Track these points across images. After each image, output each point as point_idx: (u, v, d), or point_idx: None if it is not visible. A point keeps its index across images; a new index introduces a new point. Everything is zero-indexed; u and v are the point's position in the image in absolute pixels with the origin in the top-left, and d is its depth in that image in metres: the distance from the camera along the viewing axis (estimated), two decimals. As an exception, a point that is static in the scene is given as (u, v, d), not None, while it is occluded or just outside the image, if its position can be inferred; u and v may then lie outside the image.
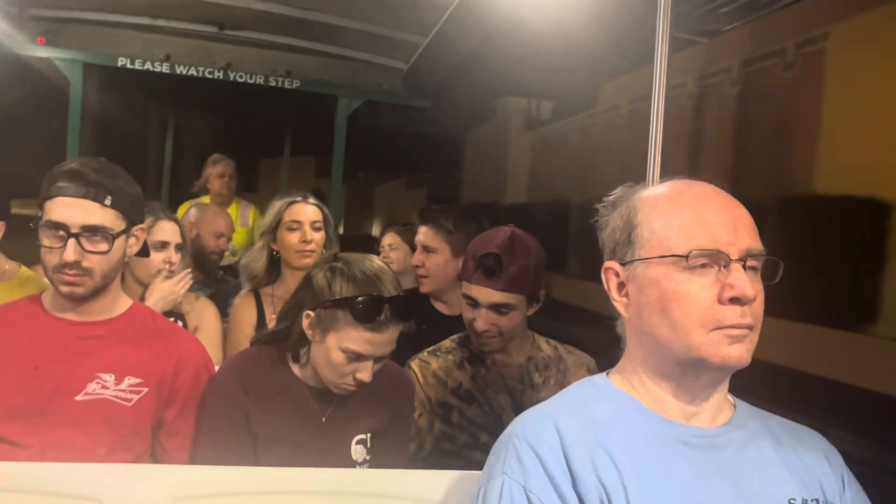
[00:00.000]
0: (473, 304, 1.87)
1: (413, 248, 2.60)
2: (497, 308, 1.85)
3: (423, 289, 2.45)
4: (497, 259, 1.82)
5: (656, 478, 1.01)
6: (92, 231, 1.54)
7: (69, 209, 1.53)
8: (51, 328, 1.61)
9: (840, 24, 3.01)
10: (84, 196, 1.54)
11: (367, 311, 1.54)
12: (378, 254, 3.28)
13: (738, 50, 3.52)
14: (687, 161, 3.81)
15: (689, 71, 3.95)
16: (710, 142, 3.56)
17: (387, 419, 1.73)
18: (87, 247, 1.54)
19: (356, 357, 1.57)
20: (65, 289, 1.56)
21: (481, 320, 1.86)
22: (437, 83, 4.58)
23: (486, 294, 1.84)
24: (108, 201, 1.56)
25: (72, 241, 1.52)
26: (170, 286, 2.27)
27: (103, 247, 1.55)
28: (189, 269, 2.35)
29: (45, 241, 1.55)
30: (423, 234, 2.45)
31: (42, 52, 4.26)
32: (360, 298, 1.54)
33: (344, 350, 1.57)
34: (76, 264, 1.53)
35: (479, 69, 4.18)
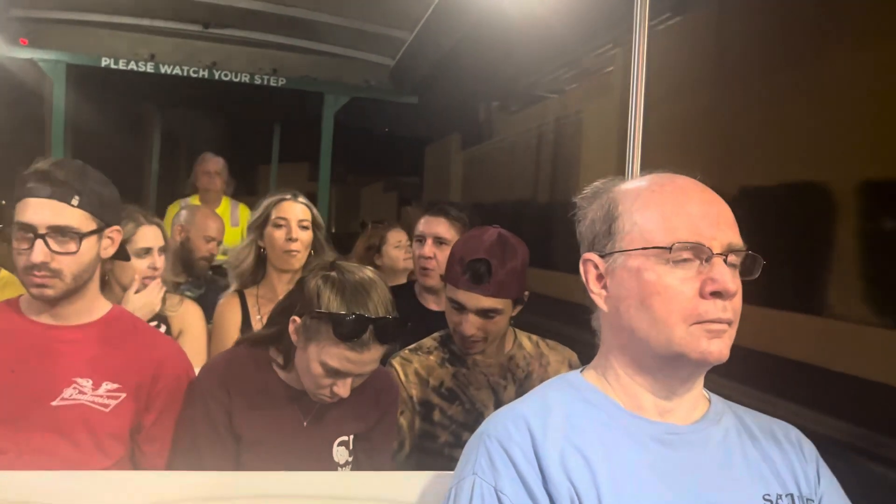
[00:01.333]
0: (459, 308, 1.84)
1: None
2: (485, 313, 1.82)
3: (430, 282, 2.40)
4: (487, 266, 1.78)
5: (629, 476, 1.00)
6: (59, 232, 1.52)
7: (37, 210, 1.52)
8: (27, 332, 1.59)
9: (590, 104, 5.79)
10: (51, 196, 1.52)
11: (349, 330, 1.50)
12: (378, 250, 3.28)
13: (554, 110, 6.47)
14: (533, 176, 6.52)
15: (537, 119, 6.67)
16: (544, 166, 6.45)
17: (371, 422, 1.71)
18: (55, 248, 1.52)
19: (334, 372, 1.55)
20: (35, 290, 1.55)
21: (468, 325, 1.82)
22: (424, 78, 4.59)
23: (475, 300, 1.80)
24: (75, 201, 1.54)
25: (39, 241, 1.51)
26: (142, 298, 2.22)
27: (72, 247, 1.54)
28: (160, 280, 2.29)
29: (15, 244, 1.54)
30: (437, 225, 2.39)
31: (25, 53, 4.23)
32: (343, 316, 1.51)
33: (322, 363, 1.54)
34: (44, 265, 1.52)
35: (464, 63, 4.28)
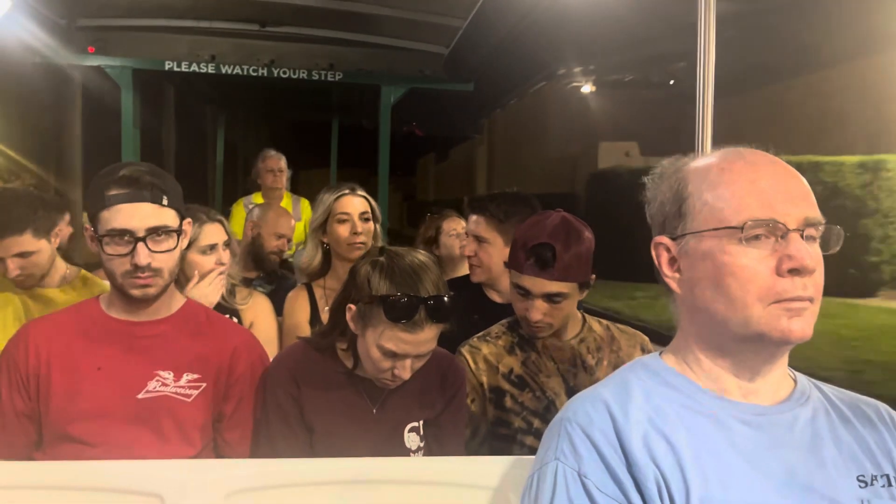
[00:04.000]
0: (525, 293, 1.83)
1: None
2: (550, 297, 1.80)
3: (476, 278, 2.39)
4: (552, 250, 1.76)
5: (715, 458, 0.98)
6: (156, 232, 1.57)
7: (132, 214, 1.55)
8: (110, 329, 1.65)
9: (481, 146, 22.62)
10: (143, 199, 1.56)
11: (401, 311, 1.51)
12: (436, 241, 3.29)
13: (469, 147, 23.22)
14: (464, 182, 20.69)
15: (468, 151, 22.19)
16: (470, 177, 21.00)
17: (439, 407, 1.72)
18: (153, 247, 1.57)
19: (392, 355, 1.56)
20: (137, 292, 1.59)
21: (535, 311, 1.81)
22: (480, 65, 4.56)
23: (540, 285, 1.79)
24: (165, 201, 1.59)
25: (141, 244, 1.55)
26: (203, 288, 2.24)
27: (170, 244, 1.59)
28: (220, 269, 2.31)
29: (110, 250, 1.57)
30: (476, 224, 2.37)
31: (92, 60, 4.38)
32: (393, 298, 1.52)
33: (379, 347, 1.55)
34: (148, 266, 1.56)
35: (521, 48, 4.25)
